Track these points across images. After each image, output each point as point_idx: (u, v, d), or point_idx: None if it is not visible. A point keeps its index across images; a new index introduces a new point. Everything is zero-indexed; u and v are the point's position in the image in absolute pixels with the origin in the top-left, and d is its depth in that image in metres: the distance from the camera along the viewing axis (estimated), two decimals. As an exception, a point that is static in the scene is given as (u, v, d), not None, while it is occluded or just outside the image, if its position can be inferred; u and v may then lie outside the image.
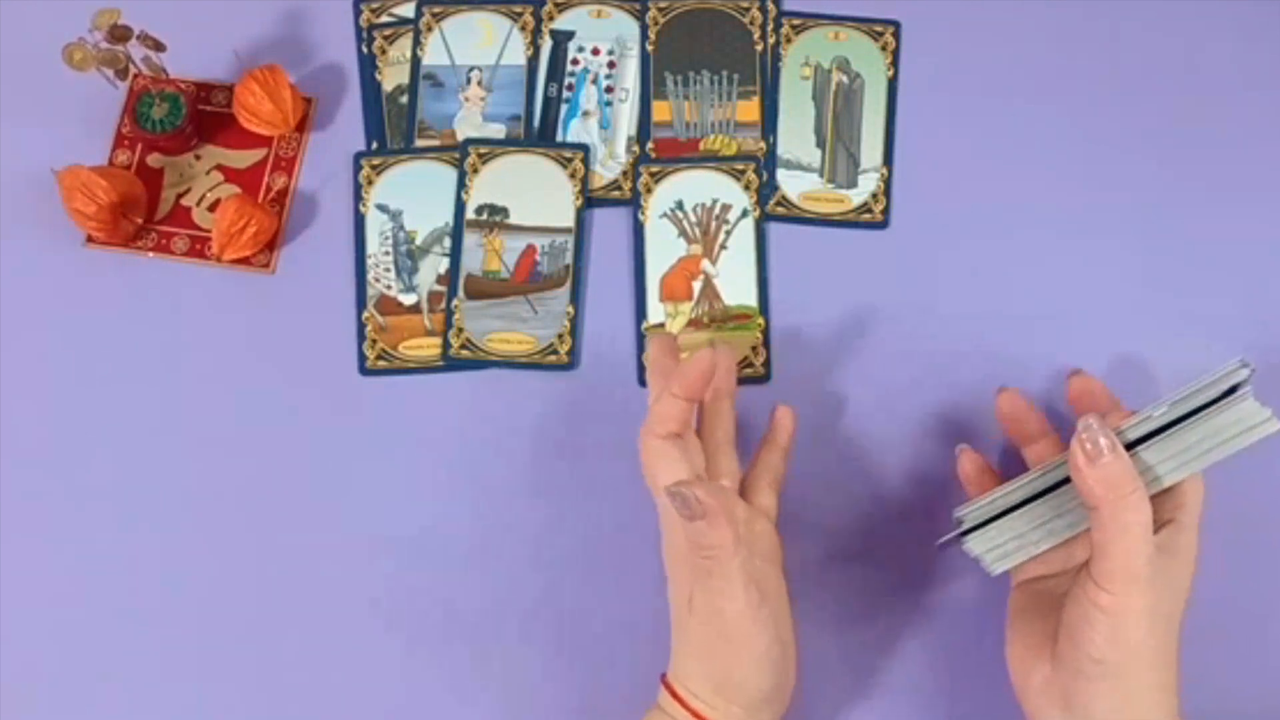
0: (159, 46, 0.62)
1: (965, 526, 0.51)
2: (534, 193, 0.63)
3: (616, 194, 0.63)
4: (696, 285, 0.62)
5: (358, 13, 0.67)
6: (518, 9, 0.66)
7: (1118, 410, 0.53)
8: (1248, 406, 0.46)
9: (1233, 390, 0.47)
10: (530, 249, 0.62)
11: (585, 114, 0.65)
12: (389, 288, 0.62)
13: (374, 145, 0.65)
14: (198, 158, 0.65)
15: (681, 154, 0.64)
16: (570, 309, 0.62)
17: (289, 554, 0.59)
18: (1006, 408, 0.56)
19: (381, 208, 0.63)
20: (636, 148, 0.64)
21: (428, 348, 0.61)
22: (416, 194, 0.63)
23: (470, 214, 0.63)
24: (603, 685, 0.57)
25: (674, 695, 0.49)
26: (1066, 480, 0.49)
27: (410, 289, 0.62)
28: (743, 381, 0.60)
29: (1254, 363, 0.47)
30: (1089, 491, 0.45)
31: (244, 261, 0.63)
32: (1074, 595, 0.46)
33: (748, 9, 0.66)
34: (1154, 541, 0.45)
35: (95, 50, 0.61)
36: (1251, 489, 0.58)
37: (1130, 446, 0.47)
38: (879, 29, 0.65)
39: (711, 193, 0.63)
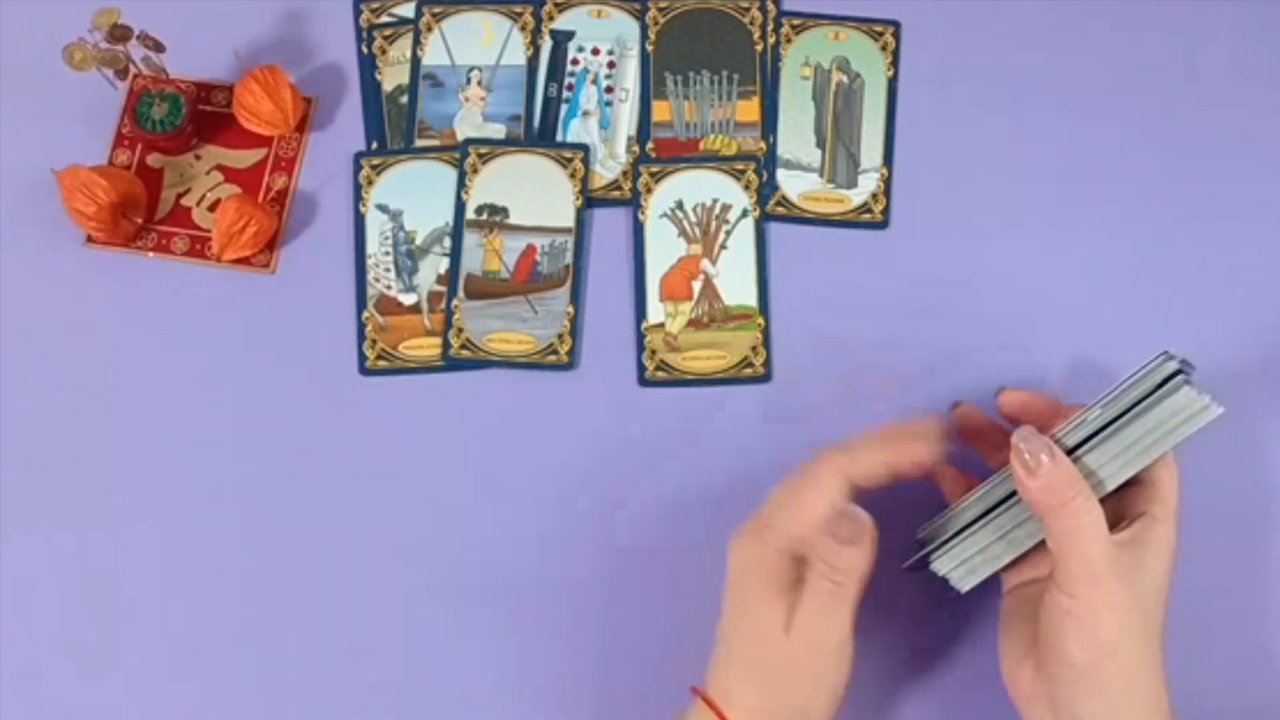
0: (159, 47, 0.62)
1: (929, 547, 0.51)
2: (534, 193, 0.63)
3: (616, 194, 0.63)
4: (696, 285, 0.62)
5: (358, 13, 0.67)
6: (518, 9, 0.66)
7: (1058, 410, 0.52)
8: (1183, 396, 0.46)
9: (1165, 382, 0.46)
10: (530, 249, 0.62)
11: (585, 114, 0.65)
12: (389, 288, 0.62)
13: (374, 145, 0.65)
14: (198, 158, 0.65)
15: (681, 154, 0.64)
16: (570, 309, 0.62)
17: (288, 554, 0.59)
18: (962, 422, 0.56)
19: (381, 208, 0.63)
20: (636, 148, 0.64)
21: (428, 348, 0.61)
22: (416, 194, 0.63)
23: (470, 214, 0.63)
24: (600, 683, 0.57)
25: (719, 713, 0.49)
26: None
27: (410, 289, 0.62)
28: (742, 381, 0.60)
29: (1180, 352, 0.47)
30: (1034, 501, 0.46)
31: (244, 261, 0.63)
32: (1044, 602, 0.47)
33: (748, 9, 0.66)
34: (1113, 539, 0.45)
35: (95, 50, 0.61)
36: (1243, 483, 0.58)
37: (1072, 451, 0.47)
38: (879, 29, 0.65)
39: (711, 193, 0.63)
